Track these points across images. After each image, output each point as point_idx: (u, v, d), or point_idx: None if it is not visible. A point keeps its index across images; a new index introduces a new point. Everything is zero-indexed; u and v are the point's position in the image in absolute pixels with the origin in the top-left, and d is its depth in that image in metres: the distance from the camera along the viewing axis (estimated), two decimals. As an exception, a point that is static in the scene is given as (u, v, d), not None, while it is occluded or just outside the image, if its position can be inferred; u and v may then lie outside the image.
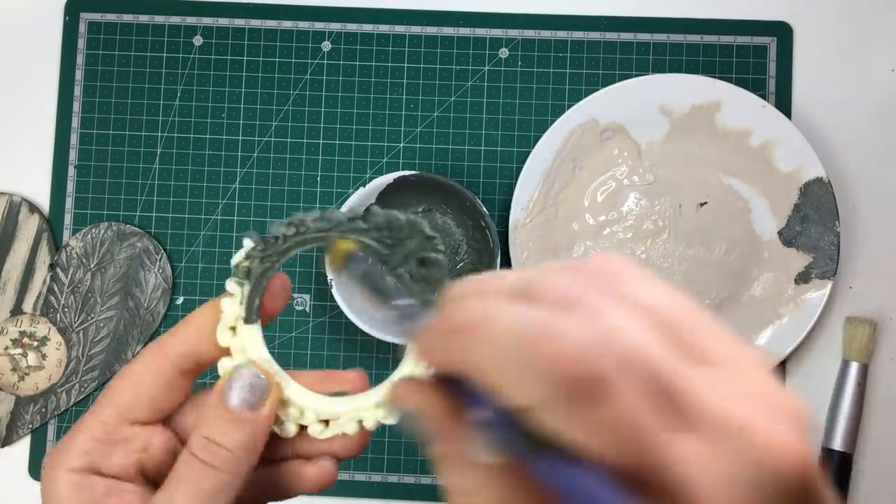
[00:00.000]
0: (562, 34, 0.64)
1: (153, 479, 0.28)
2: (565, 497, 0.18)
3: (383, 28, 0.64)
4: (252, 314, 0.28)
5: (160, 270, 0.63)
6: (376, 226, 0.27)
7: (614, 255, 0.21)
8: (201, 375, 0.29)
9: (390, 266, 0.27)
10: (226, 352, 0.28)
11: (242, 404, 0.26)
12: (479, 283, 0.21)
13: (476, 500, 0.20)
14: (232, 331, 0.28)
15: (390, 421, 0.27)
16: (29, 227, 0.63)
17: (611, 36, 0.64)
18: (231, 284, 0.28)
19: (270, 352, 0.29)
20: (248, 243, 0.28)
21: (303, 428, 0.28)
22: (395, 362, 0.62)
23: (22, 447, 0.63)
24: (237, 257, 0.28)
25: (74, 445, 0.27)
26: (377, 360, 0.62)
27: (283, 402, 0.28)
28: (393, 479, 0.62)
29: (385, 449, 0.62)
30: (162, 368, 0.27)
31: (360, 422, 0.28)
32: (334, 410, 0.28)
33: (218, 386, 0.27)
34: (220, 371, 0.28)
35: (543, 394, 0.18)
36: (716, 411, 0.18)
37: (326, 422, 0.28)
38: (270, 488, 0.28)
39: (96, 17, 0.65)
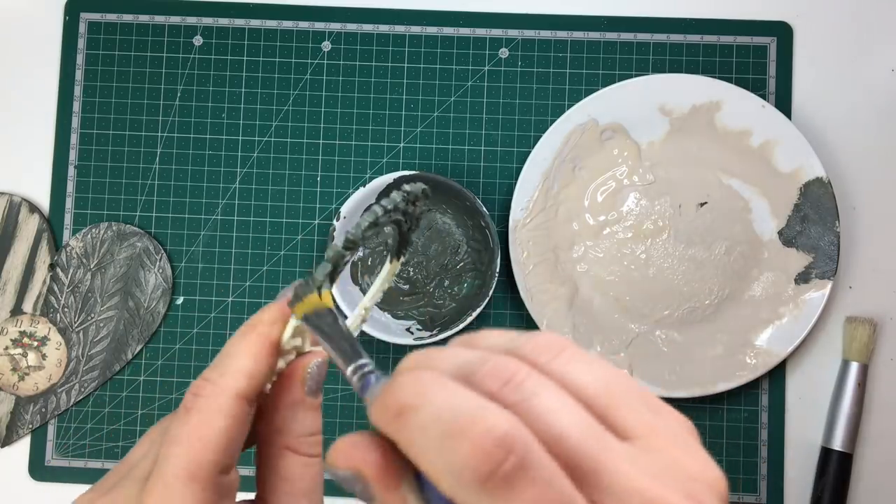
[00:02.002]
0: (562, 34, 0.64)
1: None
2: None
3: (383, 28, 0.64)
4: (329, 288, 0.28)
5: (160, 270, 0.63)
6: (414, 199, 0.29)
7: (554, 334, 0.22)
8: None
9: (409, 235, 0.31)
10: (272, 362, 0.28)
11: (315, 392, 0.28)
12: (428, 358, 0.22)
13: None
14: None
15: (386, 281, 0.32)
16: (29, 227, 0.63)
17: (611, 36, 0.64)
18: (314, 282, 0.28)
19: None
20: (346, 237, 0.27)
21: None
22: (395, 362, 0.62)
23: (22, 447, 0.63)
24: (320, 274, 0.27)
25: None
26: (377, 360, 0.62)
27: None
28: (393, 479, 0.62)
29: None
30: (242, 412, 0.26)
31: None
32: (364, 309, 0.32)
33: (297, 380, 0.27)
34: (284, 337, 0.27)
35: (463, 484, 0.19)
36: (631, 487, 0.19)
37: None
38: None
39: (96, 17, 0.65)
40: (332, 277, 0.27)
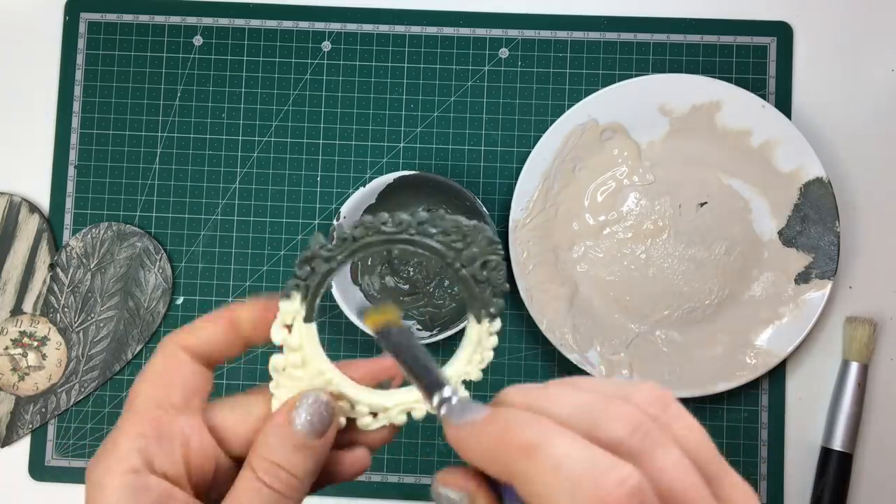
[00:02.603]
0: (562, 34, 0.64)
1: (195, 483, 0.27)
2: None
3: (383, 28, 0.64)
4: (312, 312, 0.28)
5: (160, 270, 0.63)
6: (444, 230, 0.28)
7: (658, 386, 0.24)
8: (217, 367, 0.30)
9: (454, 269, 0.28)
10: (241, 345, 0.29)
11: (309, 430, 0.27)
12: (540, 398, 0.23)
13: None
14: (287, 329, 0.28)
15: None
16: (29, 227, 0.63)
17: (611, 36, 0.64)
18: (292, 282, 0.28)
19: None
20: (314, 241, 0.28)
21: (350, 420, 0.28)
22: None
23: (22, 447, 0.63)
24: (303, 255, 0.28)
25: (123, 445, 0.26)
26: (377, 360, 0.62)
27: (336, 396, 0.28)
28: (393, 479, 0.62)
29: (385, 449, 0.62)
30: (185, 363, 0.28)
31: (409, 413, 0.28)
32: (383, 403, 0.28)
33: (284, 407, 0.27)
34: (271, 368, 0.28)
35: None
36: None
37: (374, 413, 0.29)
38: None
39: (96, 17, 0.65)
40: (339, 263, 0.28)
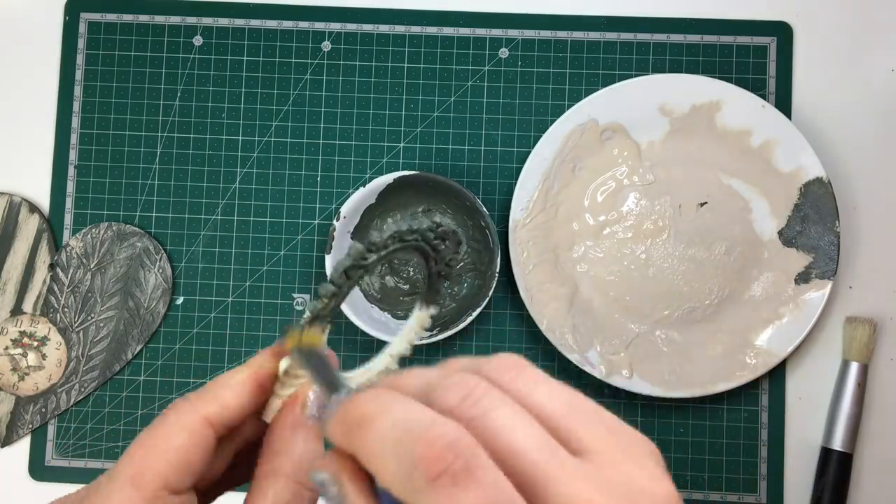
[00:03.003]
0: (562, 34, 0.64)
1: None
2: None
3: (383, 28, 0.64)
4: (326, 323, 0.28)
5: (160, 270, 0.63)
6: (443, 234, 0.29)
7: (515, 355, 0.24)
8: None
9: (432, 267, 0.29)
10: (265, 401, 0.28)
11: (313, 418, 0.28)
12: (392, 379, 0.24)
13: None
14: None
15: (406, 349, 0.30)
16: (29, 227, 0.63)
17: (611, 36, 0.64)
18: (330, 288, 0.28)
19: None
20: (354, 249, 0.27)
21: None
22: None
23: (22, 447, 0.63)
24: (349, 263, 0.27)
25: None
26: (377, 360, 0.62)
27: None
28: (393, 479, 0.62)
29: (385, 449, 0.62)
30: (203, 435, 0.26)
31: (423, 326, 0.30)
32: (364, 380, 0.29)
33: (294, 407, 0.28)
34: (281, 370, 0.28)
35: (414, 485, 0.21)
36: (577, 498, 0.20)
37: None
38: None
39: (96, 17, 0.65)
40: (324, 315, 0.27)
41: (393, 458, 0.21)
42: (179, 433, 0.26)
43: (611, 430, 0.22)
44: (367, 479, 0.23)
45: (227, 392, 0.27)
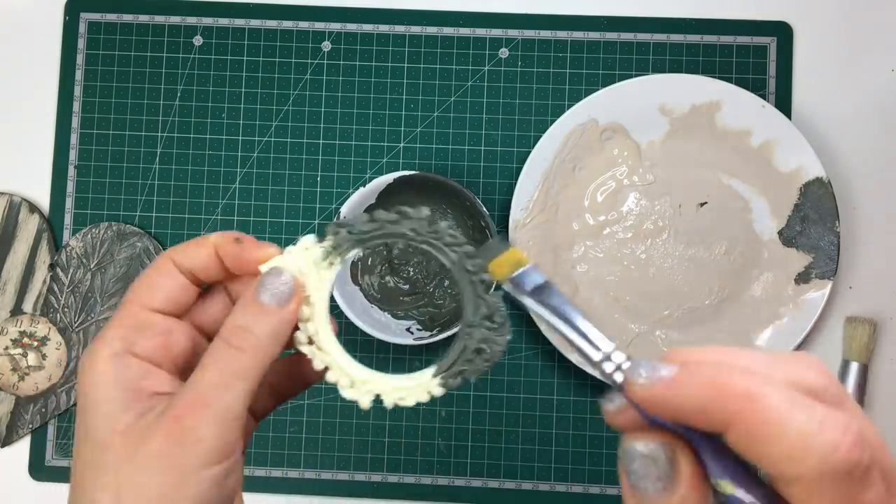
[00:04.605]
0: (562, 34, 0.64)
1: (181, 369, 0.32)
2: None
3: (383, 28, 0.64)
4: (339, 259, 0.32)
5: (160, 270, 0.63)
6: (437, 232, 0.31)
7: (812, 356, 0.25)
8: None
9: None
10: (228, 274, 0.32)
11: (272, 301, 0.30)
12: (720, 353, 0.24)
13: None
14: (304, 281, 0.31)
15: (406, 404, 0.30)
16: (29, 227, 0.63)
17: (611, 36, 0.64)
18: (334, 227, 0.32)
19: None
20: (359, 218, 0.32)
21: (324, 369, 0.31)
22: (395, 362, 0.62)
23: (22, 447, 0.63)
24: (343, 221, 0.32)
25: (108, 335, 0.30)
26: (377, 360, 0.62)
27: (320, 347, 0.31)
28: (393, 479, 0.62)
29: (385, 449, 0.62)
30: (173, 275, 0.32)
31: (378, 396, 0.31)
32: (362, 377, 0.31)
33: (252, 283, 0.31)
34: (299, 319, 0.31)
35: (817, 471, 0.21)
36: None
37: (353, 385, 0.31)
38: (288, 377, 0.35)
39: (96, 17, 0.65)
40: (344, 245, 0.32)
41: (794, 443, 0.21)
42: (150, 269, 0.32)
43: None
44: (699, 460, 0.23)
45: (192, 243, 0.32)
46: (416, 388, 0.31)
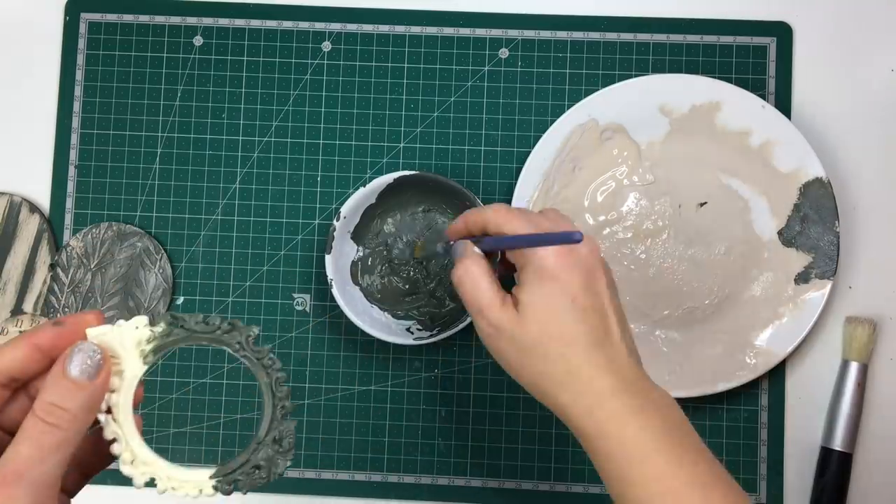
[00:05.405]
0: (562, 34, 0.64)
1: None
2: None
3: (383, 28, 0.64)
4: (154, 356, 0.34)
5: (160, 270, 0.63)
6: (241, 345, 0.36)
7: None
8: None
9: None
10: (43, 367, 0.33)
11: (81, 374, 0.31)
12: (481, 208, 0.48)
13: (473, 266, 0.45)
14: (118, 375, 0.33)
15: (177, 494, 0.33)
16: (29, 227, 0.63)
17: (611, 36, 0.64)
18: (168, 317, 0.36)
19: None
20: (193, 319, 0.36)
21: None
22: (395, 362, 0.62)
23: (22, 447, 0.63)
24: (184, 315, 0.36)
25: None
26: (377, 360, 0.62)
27: (116, 419, 0.33)
28: (393, 479, 0.62)
29: (385, 449, 0.62)
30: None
31: (201, 490, 0.33)
32: (144, 458, 0.33)
33: (60, 358, 0.32)
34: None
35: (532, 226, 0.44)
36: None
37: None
38: (92, 453, 0.36)
39: (96, 17, 0.65)
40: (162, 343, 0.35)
41: (521, 222, 0.44)
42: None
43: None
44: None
45: (8, 351, 0.32)
46: (190, 483, 0.33)
